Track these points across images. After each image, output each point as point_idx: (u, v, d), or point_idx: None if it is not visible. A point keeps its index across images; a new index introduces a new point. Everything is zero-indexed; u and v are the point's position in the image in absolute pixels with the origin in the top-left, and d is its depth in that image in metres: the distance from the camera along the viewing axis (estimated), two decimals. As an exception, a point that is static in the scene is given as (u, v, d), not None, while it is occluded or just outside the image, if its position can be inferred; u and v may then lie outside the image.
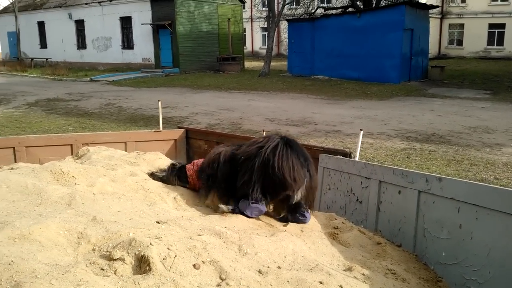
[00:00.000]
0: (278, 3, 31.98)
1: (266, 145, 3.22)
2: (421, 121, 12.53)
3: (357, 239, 3.26)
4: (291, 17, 29.83)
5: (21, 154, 5.60)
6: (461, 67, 28.61)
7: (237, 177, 3.33)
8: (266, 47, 29.24)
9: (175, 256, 2.12)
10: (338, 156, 4.50)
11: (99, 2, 32.15)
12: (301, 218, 3.29)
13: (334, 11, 27.68)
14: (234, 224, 2.98)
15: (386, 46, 21.44)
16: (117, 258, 2.04)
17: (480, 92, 18.95)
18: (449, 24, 38.57)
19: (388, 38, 21.40)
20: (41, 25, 37.13)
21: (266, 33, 33.50)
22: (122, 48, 31.96)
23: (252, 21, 45.24)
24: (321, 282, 2.24)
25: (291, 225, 3.20)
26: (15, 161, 5.36)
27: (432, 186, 3.22)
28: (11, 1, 38.07)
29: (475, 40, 36.58)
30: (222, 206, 3.28)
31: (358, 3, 26.82)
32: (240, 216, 3.16)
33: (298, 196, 3.17)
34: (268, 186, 3.14)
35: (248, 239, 2.62)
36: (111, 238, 2.29)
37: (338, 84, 21.67)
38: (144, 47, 30.33)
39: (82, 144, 5.67)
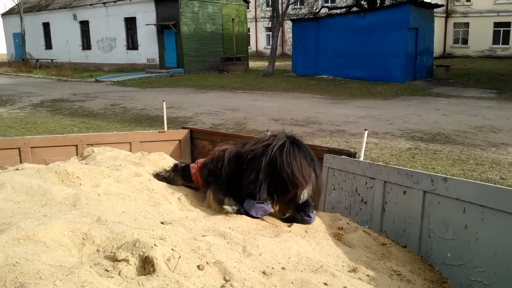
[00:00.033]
0: (282, 3, 31.95)
1: (272, 143, 3.20)
2: (426, 121, 12.48)
3: (362, 239, 3.24)
4: (295, 17, 29.81)
5: (26, 154, 5.62)
6: (466, 66, 28.49)
7: (241, 176, 3.32)
8: (270, 47, 29.22)
9: (179, 257, 2.12)
10: (343, 156, 4.49)
11: (104, 3, 32.24)
12: (306, 218, 3.27)
13: (338, 11, 27.63)
14: (238, 224, 2.97)
15: (391, 45, 21.38)
16: (122, 259, 2.04)
17: (486, 91, 18.85)
18: (454, 23, 38.40)
19: (393, 38, 21.34)
20: (46, 26, 37.29)
21: (270, 33, 33.48)
22: (126, 49, 32.04)
23: (256, 21, 45.23)
24: (325, 283, 2.23)
25: (296, 226, 3.19)
26: (21, 162, 5.39)
27: (438, 187, 3.20)
28: (17, 3, 38.24)
29: (480, 39, 36.40)
30: (227, 207, 3.28)
31: (362, 2, 26.75)
32: (244, 217, 3.15)
33: (305, 195, 3.16)
34: (275, 185, 3.12)
35: (253, 240, 2.61)
36: (115, 239, 2.29)
37: (342, 84, 21.63)
38: (148, 48, 30.39)
39: (87, 144, 5.69)
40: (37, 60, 34.42)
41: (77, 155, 5.19)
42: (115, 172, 3.82)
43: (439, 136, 10.57)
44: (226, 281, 2.09)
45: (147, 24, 29.64)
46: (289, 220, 3.32)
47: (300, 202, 3.18)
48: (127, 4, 30.83)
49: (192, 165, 3.95)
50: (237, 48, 30.33)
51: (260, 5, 39.19)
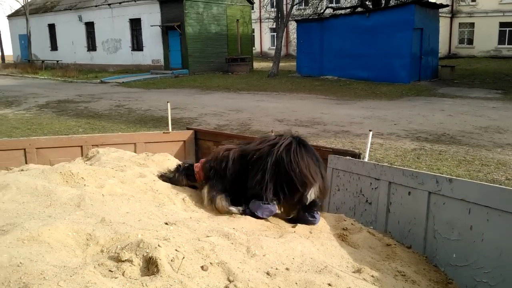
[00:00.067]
0: (286, 4, 31.97)
1: (278, 143, 3.19)
2: (431, 121, 12.44)
3: (367, 240, 3.23)
4: (299, 18, 29.80)
5: (31, 155, 5.64)
6: (471, 66, 28.36)
7: (246, 176, 3.31)
8: (274, 47, 29.22)
9: (183, 257, 2.12)
10: (347, 157, 4.47)
11: (109, 4, 32.37)
12: (310, 219, 3.27)
13: (343, 11, 27.60)
14: (242, 225, 2.97)
15: (396, 45, 21.32)
16: (125, 260, 2.05)
17: (491, 91, 18.76)
18: (459, 23, 38.24)
19: (398, 38, 21.28)
20: (51, 27, 37.48)
21: (275, 33, 33.46)
22: (131, 50, 32.15)
23: (260, 22, 45.24)
24: (329, 284, 2.22)
25: (300, 226, 3.19)
26: (26, 163, 5.41)
27: (443, 187, 3.19)
28: (23, 4, 38.45)
29: (485, 39, 36.22)
30: (233, 208, 3.27)
31: (367, 2, 26.71)
32: (249, 217, 3.15)
33: (312, 195, 3.15)
34: (281, 185, 3.10)
35: (257, 240, 2.61)
36: (119, 239, 2.29)
37: (347, 84, 21.59)
38: (153, 49, 30.48)
39: (92, 145, 5.70)
40: (43, 61, 34.60)
41: (82, 156, 5.21)
42: (120, 173, 3.83)
43: (444, 136, 10.53)
44: (230, 281, 2.08)
45: (152, 25, 29.72)
46: (294, 221, 3.32)
47: (306, 202, 3.17)
48: (132, 5, 30.94)
49: (196, 164, 3.96)
50: (241, 49, 30.36)
51: (265, 6, 39.19)
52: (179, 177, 3.93)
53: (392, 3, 25.73)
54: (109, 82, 25.52)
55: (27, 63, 35.67)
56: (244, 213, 3.23)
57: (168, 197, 3.54)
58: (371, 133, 4.77)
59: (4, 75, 31.54)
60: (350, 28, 23.12)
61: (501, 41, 36.19)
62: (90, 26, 34.58)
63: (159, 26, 29.42)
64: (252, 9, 35.28)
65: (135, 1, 30.54)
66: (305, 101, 17.15)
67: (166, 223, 2.74)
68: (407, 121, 12.49)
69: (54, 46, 37.67)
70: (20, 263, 1.82)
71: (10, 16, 41.33)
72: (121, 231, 2.39)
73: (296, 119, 13.02)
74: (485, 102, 15.97)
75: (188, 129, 6.76)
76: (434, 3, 23.37)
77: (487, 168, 7.86)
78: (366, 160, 4.50)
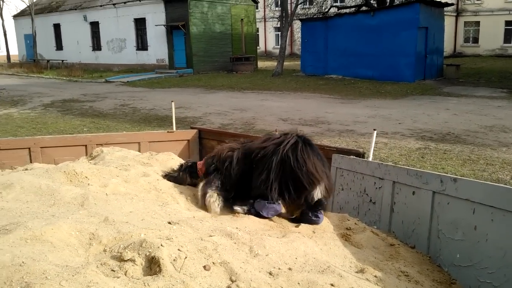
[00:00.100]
0: (291, 3, 31.90)
1: (284, 142, 3.17)
2: (436, 120, 12.39)
3: (370, 240, 3.22)
4: (304, 17, 29.76)
5: (36, 154, 5.66)
6: (477, 65, 28.23)
7: (250, 174, 3.30)
8: (279, 46, 29.19)
9: (186, 257, 2.12)
10: (351, 156, 4.46)
11: (114, 4, 32.44)
12: (314, 218, 3.26)
13: (347, 10, 27.52)
14: (245, 225, 2.97)
15: (401, 44, 21.24)
16: (128, 259, 2.05)
17: (497, 90, 18.66)
18: (465, 21, 38.07)
19: (403, 37, 21.20)
20: (57, 27, 37.62)
21: (279, 32, 33.44)
22: (136, 49, 32.22)
23: (265, 21, 45.23)
24: (332, 285, 2.22)
25: (303, 226, 3.18)
26: (31, 162, 5.43)
27: (447, 187, 3.17)
28: (28, 5, 38.61)
29: (491, 37, 36.04)
30: (237, 208, 3.27)
31: (372, 1, 26.62)
32: (252, 217, 3.15)
33: (318, 194, 3.14)
34: (287, 184, 3.09)
35: (259, 240, 2.60)
36: (122, 239, 2.30)
37: (352, 83, 21.54)
38: (158, 48, 30.52)
39: (97, 144, 5.72)
40: (48, 61, 34.73)
41: (86, 155, 5.24)
42: (124, 172, 3.84)
43: (449, 135, 10.48)
44: (232, 281, 2.08)
45: (156, 25, 29.77)
46: (297, 220, 3.31)
47: (313, 201, 3.16)
48: (137, 5, 30.99)
49: (199, 162, 3.97)
50: (246, 48, 30.35)
51: (269, 5, 39.16)
52: (183, 176, 3.94)
53: (397, 2, 25.64)
54: (114, 82, 25.58)
55: (33, 62, 35.81)
56: (249, 212, 3.23)
57: (172, 196, 3.55)
58: (375, 132, 4.75)
59: (9, 75, 31.69)
60: (355, 27, 23.06)
61: (506, 39, 36.00)
62: (95, 26, 34.68)
63: (164, 25, 29.46)
64: (257, 8, 35.25)
65: (139, 1, 30.59)
66: (310, 100, 17.12)
67: (169, 223, 2.74)
68: (412, 120, 12.45)
69: (59, 46, 37.80)
70: (23, 262, 1.83)
71: (15, 16, 41.51)
72: (124, 231, 2.39)
73: (300, 118, 13.00)
74: (490, 101, 15.89)
75: (192, 128, 6.76)
76: (439, 2, 23.24)
77: (492, 167, 7.82)
78: (370, 159, 4.49)
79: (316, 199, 3.14)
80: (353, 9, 27.39)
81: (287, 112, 14.12)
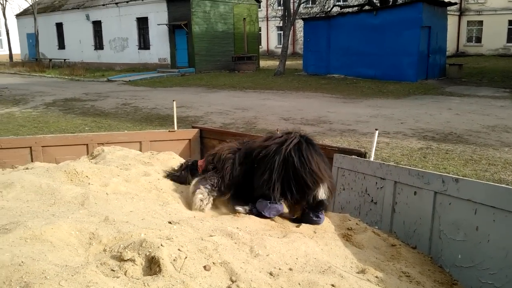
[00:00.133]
0: (293, 2, 31.87)
1: (286, 141, 3.16)
2: (438, 120, 12.36)
3: (371, 240, 3.21)
4: (306, 16, 29.72)
5: (37, 153, 5.66)
6: (479, 64, 28.16)
7: (250, 174, 3.28)
8: (281, 46, 29.17)
9: (186, 257, 2.11)
10: (353, 156, 4.45)
11: (116, 3, 32.45)
12: (315, 219, 3.24)
13: (350, 9, 27.47)
14: (246, 224, 2.96)
15: (403, 44, 21.20)
16: (128, 259, 2.04)
17: (499, 90, 18.60)
18: (468, 21, 37.98)
19: (405, 36, 21.16)
20: (59, 26, 37.65)
21: (282, 32, 33.41)
22: (138, 49, 32.22)
23: (267, 20, 45.19)
24: (333, 285, 2.21)
25: (304, 226, 3.17)
26: (32, 161, 5.43)
27: (449, 187, 3.16)
28: (31, 4, 38.66)
29: (494, 37, 35.95)
30: (239, 208, 3.26)
31: (374, 1, 26.58)
32: (253, 217, 3.14)
33: (321, 194, 3.13)
34: (289, 184, 3.08)
35: (260, 240, 2.60)
36: (122, 238, 2.29)
37: (354, 83, 21.51)
38: (160, 47, 30.53)
39: (98, 143, 5.71)
40: (50, 60, 34.76)
41: (87, 154, 5.23)
42: (124, 172, 3.83)
43: (451, 135, 10.45)
44: (233, 281, 2.07)
45: (159, 24, 29.77)
46: (298, 221, 3.30)
47: (315, 201, 3.14)
48: (139, 4, 31.00)
49: (200, 161, 3.96)
50: (248, 47, 30.33)
51: (272, 4, 39.12)
52: (185, 175, 3.94)
53: (400, 1, 25.58)
54: (116, 81, 25.60)
55: (35, 61, 35.85)
56: (250, 212, 3.22)
57: (172, 196, 3.54)
58: (377, 132, 4.74)
59: (12, 74, 31.74)
60: (357, 26, 23.02)
61: (509, 39, 35.91)
62: (97, 25, 34.70)
63: (166, 25, 29.46)
64: (259, 7, 35.22)
65: (142, 0, 30.60)
66: (311, 99, 17.10)
67: (170, 222, 2.74)
68: (414, 120, 12.42)
69: (61, 45, 37.84)
70: (22, 262, 1.82)
71: (18, 15, 41.57)
72: (124, 230, 2.39)
73: (302, 118, 12.99)
74: (493, 101, 15.84)
75: (193, 127, 6.76)
76: (442, 1, 23.18)
77: (494, 167, 7.79)
78: (372, 159, 4.47)
79: (319, 198, 3.12)
80: (356, 8, 27.35)
81: (288, 112, 14.11)
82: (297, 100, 17.04)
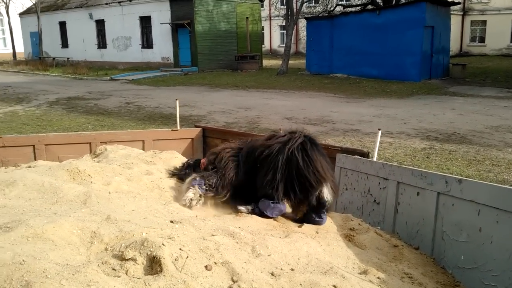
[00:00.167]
0: (296, 1, 31.83)
1: (290, 141, 3.14)
2: (441, 120, 12.32)
3: (374, 241, 3.20)
4: (309, 15, 29.67)
5: (40, 152, 5.68)
6: (483, 64, 28.06)
7: (252, 173, 3.27)
8: (284, 45, 29.14)
9: (187, 257, 2.11)
10: (356, 156, 4.44)
11: (119, 2, 32.47)
12: (317, 219, 3.23)
13: (353, 9, 27.42)
14: (248, 224, 2.95)
15: (406, 43, 21.13)
16: (129, 258, 2.04)
17: (503, 90, 18.53)
18: (471, 21, 37.84)
19: (408, 36, 21.09)
20: (62, 25, 37.70)
21: (285, 31, 33.38)
22: (141, 48, 32.24)
23: (270, 20, 45.14)
24: (335, 286, 2.20)
25: (306, 226, 3.16)
26: (35, 159, 5.45)
27: (452, 188, 3.14)
28: (34, 2, 38.73)
29: (498, 37, 35.79)
30: (241, 207, 3.25)
31: (377, 0, 26.51)
32: (255, 217, 3.13)
33: (327, 195, 3.12)
34: (292, 184, 3.07)
35: (262, 240, 2.59)
36: (124, 237, 2.29)
37: (357, 82, 21.47)
38: (163, 46, 30.54)
39: (101, 142, 5.72)
40: (54, 58, 34.83)
41: (90, 152, 5.24)
42: (127, 170, 3.83)
43: (454, 136, 10.42)
44: (234, 282, 2.07)
45: (162, 23, 29.78)
46: (300, 221, 3.29)
47: (318, 202, 3.13)
48: (142, 3, 31.02)
49: (202, 160, 3.96)
50: (251, 46, 30.31)
51: (275, 4, 39.11)
52: (189, 173, 3.93)
53: (403, 0, 25.51)
54: (119, 80, 25.63)
55: (38, 60, 35.92)
56: (253, 212, 3.21)
57: (175, 195, 3.54)
58: (380, 132, 4.73)
59: (15, 72, 31.81)
60: (360, 26, 22.97)
61: (513, 39, 35.75)
62: (100, 24, 34.73)
63: (169, 23, 29.46)
64: (262, 6, 35.18)
65: (145, -1, 30.67)
66: (314, 99, 17.08)
67: (172, 221, 2.73)
68: (417, 120, 12.38)
69: (64, 44, 37.89)
70: (23, 260, 1.82)
71: (21, 14, 41.65)
72: (126, 229, 2.38)
73: (305, 117, 12.97)
74: (496, 101, 15.79)
75: (196, 126, 6.76)
76: (446, 1, 23.11)
77: (497, 168, 7.76)
78: (374, 159, 4.46)
79: (322, 198, 3.11)
80: (359, 7, 27.28)
81: (291, 111, 14.09)
82: (300, 99, 17.02)
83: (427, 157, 8.52)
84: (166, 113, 14.11)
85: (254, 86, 21.27)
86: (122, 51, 33.45)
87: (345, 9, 27.61)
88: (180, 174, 3.96)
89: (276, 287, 2.09)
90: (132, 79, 25.18)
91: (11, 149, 5.53)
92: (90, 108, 15.52)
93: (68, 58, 34.79)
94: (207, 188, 3.35)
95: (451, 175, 3.37)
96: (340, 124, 11.92)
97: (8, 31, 42.70)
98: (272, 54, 44.15)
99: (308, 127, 11.20)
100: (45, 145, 5.72)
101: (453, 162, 8.12)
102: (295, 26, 28.94)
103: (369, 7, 26.12)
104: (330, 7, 29.61)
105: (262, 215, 3.17)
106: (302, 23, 32.55)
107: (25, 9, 41.84)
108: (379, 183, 3.97)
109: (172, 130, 6.40)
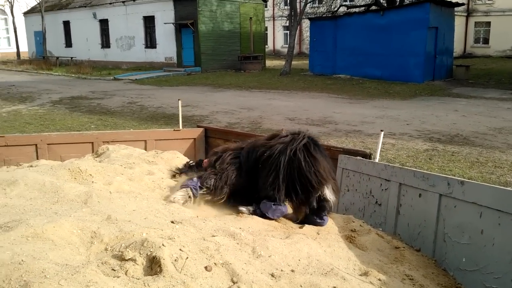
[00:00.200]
0: (300, 2, 31.81)
1: (292, 142, 3.13)
2: (444, 122, 12.28)
3: (375, 242, 3.19)
4: (313, 16, 29.64)
5: (43, 151, 5.68)
6: (487, 66, 27.97)
7: (253, 172, 3.26)
8: (287, 45, 29.13)
9: (187, 257, 2.10)
10: (358, 157, 4.43)
11: (123, 2, 32.52)
12: (319, 221, 3.23)
13: (357, 9, 27.38)
14: (249, 225, 2.94)
15: (410, 44, 21.08)
16: (129, 259, 2.04)
17: (507, 92, 18.46)
18: (475, 22, 37.72)
19: (412, 37, 21.04)
20: (66, 24, 37.80)
21: (288, 31, 33.35)
22: (145, 47, 32.28)
23: (274, 20, 45.14)
24: (335, 287, 2.19)
25: (307, 227, 3.15)
26: (37, 158, 5.45)
27: (454, 190, 3.13)
28: (38, 1, 38.84)
29: (502, 38, 35.65)
30: (243, 208, 3.24)
31: (381, 1, 26.47)
32: (256, 217, 3.12)
33: (324, 195, 3.11)
34: (294, 185, 3.05)
35: (263, 241, 2.58)
36: (124, 238, 2.28)
37: (360, 83, 21.44)
38: (166, 46, 30.57)
39: (103, 142, 5.73)
40: (57, 58, 34.92)
41: (92, 152, 5.24)
42: (128, 170, 3.83)
43: (457, 137, 10.38)
44: (234, 283, 2.06)
45: (165, 23, 29.81)
46: (302, 223, 3.28)
47: (320, 203, 3.12)
48: (146, 3, 31.07)
49: (205, 161, 3.96)
50: (254, 47, 30.32)
51: (278, 4, 39.06)
52: (191, 172, 3.94)
53: (407, 1, 25.46)
54: (122, 79, 25.67)
55: (42, 59, 36.02)
56: (254, 213, 3.20)
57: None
58: (382, 133, 4.71)
59: (19, 71, 31.91)
60: (364, 27, 22.93)
61: (517, 40, 35.62)
62: (104, 23, 34.80)
63: (173, 23, 29.49)
64: (266, 7, 35.20)
65: (149, -1, 30.72)
66: (317, 99, 17.06)
67: (172, 222, 2.73)
68: (420, 121, 12.35)
69: (68, 43, 37.99)
70: (22, 260, 1.82)
71: (26, 13, 41.78)
72: (126, 229, 2.38)
73: (308, 118, 12.95)
74: (500, 103, 15.73)
75: (198, 127, 6.76)
76: (450, 2, 23.04)
77: (500, 170, 7.73)
78: (377, 160, 4.45)
79: (323, 199, 3.10)
80: (363, 8, 27.25)
81: (294, 112, 14.08)
82: (302, 100, 17.00)
83: (429, 158, 8.49)
84: (168, 113, 14.12)
85: (257, 87, 21.27)
86: (125, 51, 33.50)
87: (348, 10, 27.57)
88: (185, 170, 3.96)
89: (276, 288, 2.09)
90: (135, 79, 25.22)
91: (14, 148, 5.54)
92: (93, 107, 15.54)
93: (71, 58, 34.87)
94: (205, 192, 3.34)
95: (453, 177, 3.36)
96: (343, 125, 11.90)
97: (13, 30, 42.85)
98: (275, 54, 44.14)
99: (311, 128, 11.19)
100: (48, 144, 5.73)
101: (456, 164, 8.10)
102: (298, 27, 28.90)
103: (373, 7, 26.09)
104: (334, 8, 29.59)
105: (264, 216, 3.16)
106: (306, 24, 32.52)
107: (29, 8, 41.97)
108: (381, 184, 3.96)
109: (174, 130, 6.40)
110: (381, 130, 4.76)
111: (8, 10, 42.87)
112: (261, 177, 3.18)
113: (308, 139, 3.16)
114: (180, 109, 6.50)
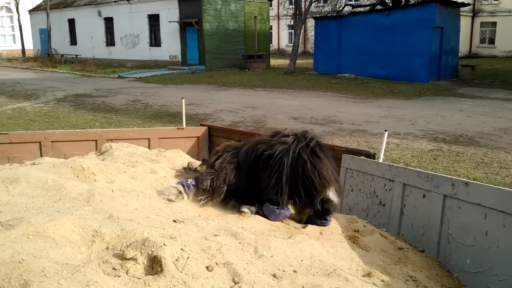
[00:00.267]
0: (305, 1, 31.74)
1: (296, 143, 3.10)
2: (449, 122, 12.23)
3: (378, 243, 3.16)
4: (318, 15, 29.59)
5: (46, 148, 5.69)
6: (492, 66, 27.84)
7: (254, 172, 3.23)
8: (292, 44, 29.09)
9: (188, 257, 2.09)
10: (362, 157, 4.40)
11: (128, 0, 32.58)
12: (323, 221, 3.20)
13: (362, 9, 27.30)
14: (251, 224, 2.92)
15: (415, 44, 21.01)
16: (130, 258, 2.02)
17: (512, 92, 18.39)
18: (481, 22, 37.55)
19: (417, 36, 20.97)
20: (71, 22, 37.92)
21: (293, 30, 33.31)
22: (149, 46, 32.34)
23: (278, 19, 45.11)
24: (337, 288, 2.17)
25: (310, 227, 3.13)
26: (41, 156, 5.45)
27: (458, 191, 3.10)
28: (43, -1, 39.02)
29: (507, 38, 35.48)
30: (245, 209, 3.21)
31: (387, 0, 26.38)
32: (258, 217, 3.10)
33: (333, 197, 3.08)
34: (297, 186, 3.02)
35: (265, 240, 2.56)
36: (125, 237, 2.27)
37: (364, 83, 21.38)
38: (171, 45, 30.61)
39: (107, 140, 5.72)
40: (62, 55, 35.04)
41: (96, 150, 5.23)
42: (131, 169, 3.81)
43: (462, 137, 10.33)
44: (235, 283, 2.04)
45: (170, 21, 29.85)
46: (305, 223, 3.25)
47: (323, 205, 3.10)
48: (151, 1, 31.10)
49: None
50: (258, 45, 30.32)
51: (283, 3, 39.04)
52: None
53: (412, 1, 25.36)
54: (127, 77, 25.71)
55: (47, 57, 36.14)
56: (257, 214, 3.17)
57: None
58: (386, 133, 4.69)
59: (24, 69, 32.02)
60: (369, 26, 22.87)
61: (523, 41, 35.44)
62: (109, 22, 34.88)
63: (177, 22, 29.52)
64: (270, 6, 35.16)
65: (153, -3, 30.75)
66: (321, 99, 17.02)
67: (174, 221, 2.71)
68: (425, 121, 12.30)
69: (73, 41, 38.11)
70: (22, 259, 1.80)
71: (31, 11, 41.94)
72: (128, 228, 2.37)
73: (312, 117, 12.93)
74: (505, 103, 15.65)
75: (202, 125, 6.75)
76: (455, 2, 22.94)
77: (505, 171, 7.68)
78: (381, 160, 4.42)
79: (328, 201, 3.08)
80: (368, 8, 27.17)
81: (298, 111, 14.05)
82: (307, 99, 16.97)
83: (434, 158, 8.45)
84: (172, 111, 14.12)
85: (261, 85, 21.25)
86: (130, 49, 33.57)
87: (353, 9, 27.51)
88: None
89: (278, 289, 2.07)
90: (140, 77, 25.25)
91: (18, 146, 5.55)
92: (98, 105, 15.57)
93: (76, 55, 34.98)
94: (203, 196, 3.31)
95: (457, 178, 3.33)
96: (347, 125, 11.87)
97: (18, 28, 43.02)
98: (280, 53, 44.12)
99: (315, 127, 11.16)
100: (51, 142, 5.73)
101: (461, 164, 8.05)
102: (303, 26, 28.87)
103: (378, 7, 26.02)
104: (339, 7, 29.51)
105: (266, 218, 3.14)
106: (310, 23, 32.45)
107: (34, 6, 42.13)
108: (385, 184, 3.93)
109: (178, 128, 6.40)
110: (385, 130, 4.74)
111: (13, 8, 43.05)
112: (262, 178, 3.14)
113: (311, 140, 3.13)
114: (183, 107, 6.49)
